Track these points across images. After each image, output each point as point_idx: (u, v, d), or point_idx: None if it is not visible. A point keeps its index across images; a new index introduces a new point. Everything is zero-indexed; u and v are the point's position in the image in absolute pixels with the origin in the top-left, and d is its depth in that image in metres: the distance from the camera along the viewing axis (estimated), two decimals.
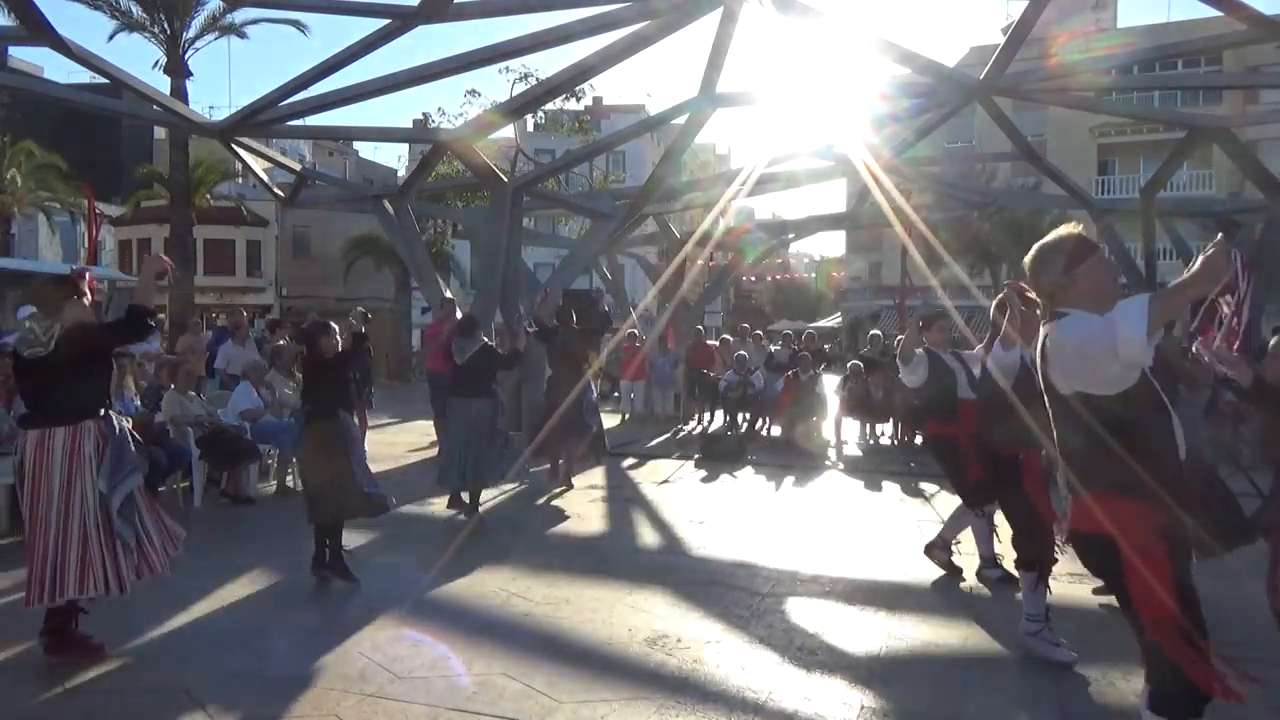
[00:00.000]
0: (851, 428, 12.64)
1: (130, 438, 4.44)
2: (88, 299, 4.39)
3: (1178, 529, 2.70)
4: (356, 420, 11.01)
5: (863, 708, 3.90)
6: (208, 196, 27.93)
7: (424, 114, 33.81)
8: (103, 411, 4.32)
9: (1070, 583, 5.91)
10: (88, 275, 4.55)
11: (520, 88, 15.82)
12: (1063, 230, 2.97)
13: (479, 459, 7.29)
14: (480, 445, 7.29)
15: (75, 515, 4.14)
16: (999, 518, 5.60)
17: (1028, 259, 3.00)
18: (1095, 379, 2.76)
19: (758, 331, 18.43)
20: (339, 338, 5.96)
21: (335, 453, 5.65)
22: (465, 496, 7.46)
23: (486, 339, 8.00)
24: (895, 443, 12.68)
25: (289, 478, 8.45)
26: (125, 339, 4.41)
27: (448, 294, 12.82)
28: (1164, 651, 2.62)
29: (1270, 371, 4.27)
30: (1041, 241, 3.00)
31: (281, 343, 10.19)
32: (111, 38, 23.28)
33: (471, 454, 7.26)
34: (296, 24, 22.92)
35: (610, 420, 15.15)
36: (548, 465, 9.17)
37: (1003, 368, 4.77)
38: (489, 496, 8.10)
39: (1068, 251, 2.89)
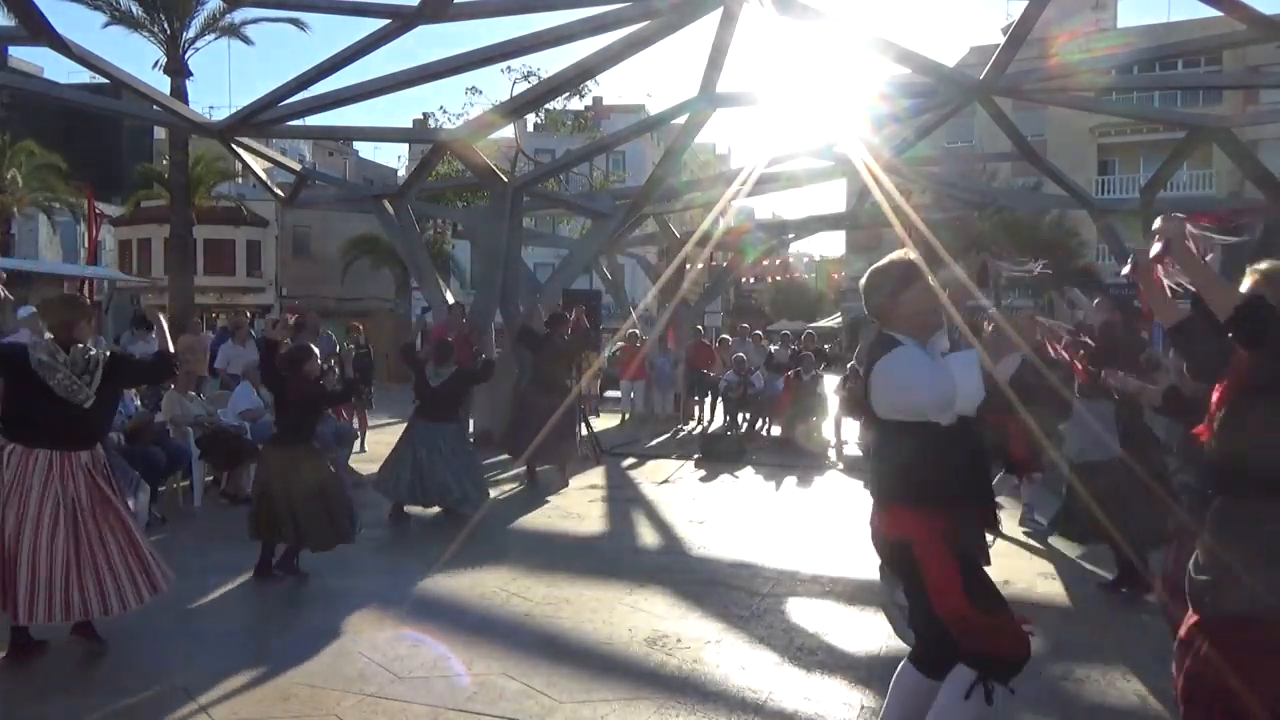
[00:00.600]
0: (851, 428, 12.63)
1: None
2: (92, 315, 4.52)
3: (962, 532, 2.91)
4: (357, 421, 11.13)
5: (863, 708, 3.90)
6: (208, 196, 27.95)
7: (424, 114, 33.85)
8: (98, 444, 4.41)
9: (1070, 582, 5.92)
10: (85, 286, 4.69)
11: (522, 87, 15.80)
12: (896, 255, 3.11)
13: (440, 481, 7.17)
14: (440, 467, 7.17)
15: (45, 540, 4.09)
16: None
17: (862, 280, 3.16)
18: (909, 413, 2.92)
19: (757, 332, 18.43)
20: (319, 360, 5.96)
21: (302, 484, 5.52)
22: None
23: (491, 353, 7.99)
24: None
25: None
26: (149, 379, 4.49)
27: (450, 298, 12.82)
28: (961, 639, 2.84)
29: (1186, 384, 4.28)
30: (874, 265, 3.16)
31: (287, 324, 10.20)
32: (105, 26, 23.22)
33: (429, 475, 7.15)
34: (296, 22, 22.91)
35: (610, 420, 15.17)
36: (525, 468, 9.16)
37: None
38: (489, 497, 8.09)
39: (895, 276, 3.04)
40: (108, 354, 4.35)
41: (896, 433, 2.96)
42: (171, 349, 4.58)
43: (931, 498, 2.86)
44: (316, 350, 5.99)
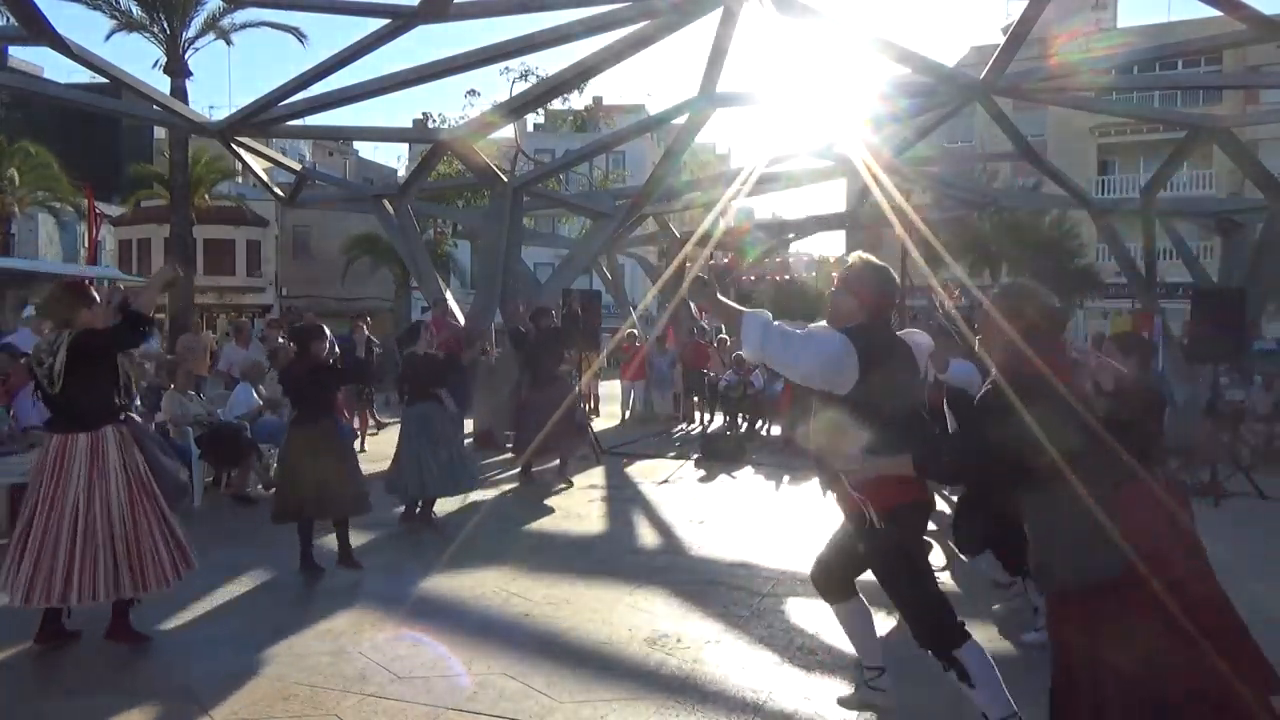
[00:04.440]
0: None
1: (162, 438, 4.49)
2: (97, 305, 4.43)
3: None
4: (357, 421, 11.15)
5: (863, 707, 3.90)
6: (207, 196, 27.94)
7: (424, 114, 33.84)
8: (123, 416, 4.39)
9: None
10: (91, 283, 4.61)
11: (520, 87, 15.82)
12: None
13: (436, 473, 7.10)
14: (431, 455, 7.08)
15: (83, 521, 4.17)
16: None
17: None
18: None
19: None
20: (331, 341, 6.06)
21: (323, 458, 5.81)
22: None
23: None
24: None
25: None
26: (123, 343, 4.41)
27: (450, 298, 12.82)
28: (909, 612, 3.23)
29: (1107, 376, 4.28)
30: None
31: (281, 340, 10.21)
32: (109, 37, 23.33)
33: (426, 466, 7.07)
34: (295, 31, 22.98)
35: (610, 420, 15.17)
36: (522, 469, 9.14)
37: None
38: (488, 497, 8.09)
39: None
40: (69, 335, 4.27)
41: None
42: (147, 311, 4.45)
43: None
44: (327, 330, 6.20)
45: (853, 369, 3.14)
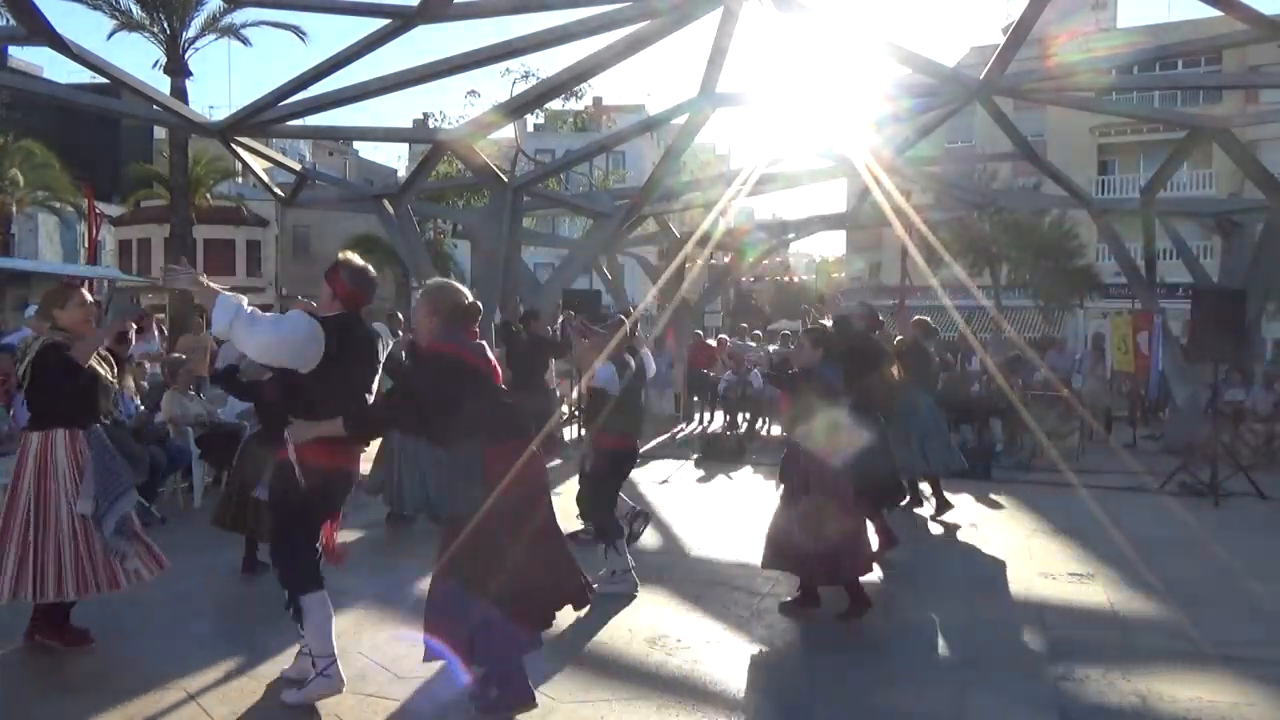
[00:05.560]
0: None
1: (115, 455, 4.41)
2: (72, 305, 4.38)
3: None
4: None
5: (863, 707, 3.90)
6: (207, 196, 27.94)
7: (424, 114, 33.82)
8: (86, 426, 4.35)
9: (1070, 582, 5.92)
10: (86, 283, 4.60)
11: (521, 87, 15.81)
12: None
13: (437, 489, 6.91)
14: (430, 469, 6.91)
15: (38, 520, 4.18)
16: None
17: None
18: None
19: (756, 331, 18.43)
20: None
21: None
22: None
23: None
24: None
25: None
26: (56, 381, 4.33)
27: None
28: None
29: (798, 359, 5.63)
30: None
31: None
32: (110, 36, 23.35)
33: (427, 482, 6.93)
34: (296, 29, 22.98)
35: None
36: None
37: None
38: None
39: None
40: (40, 341, 4.30)
41: None
42: (80, 361, 4.28)
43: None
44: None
45: (317, 351, 3.67)
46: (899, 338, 7.95)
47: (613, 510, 5.84)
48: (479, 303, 3.89)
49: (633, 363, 5.88)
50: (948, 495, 7.99)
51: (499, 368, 3.90)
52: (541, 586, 3.71)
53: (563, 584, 3.80)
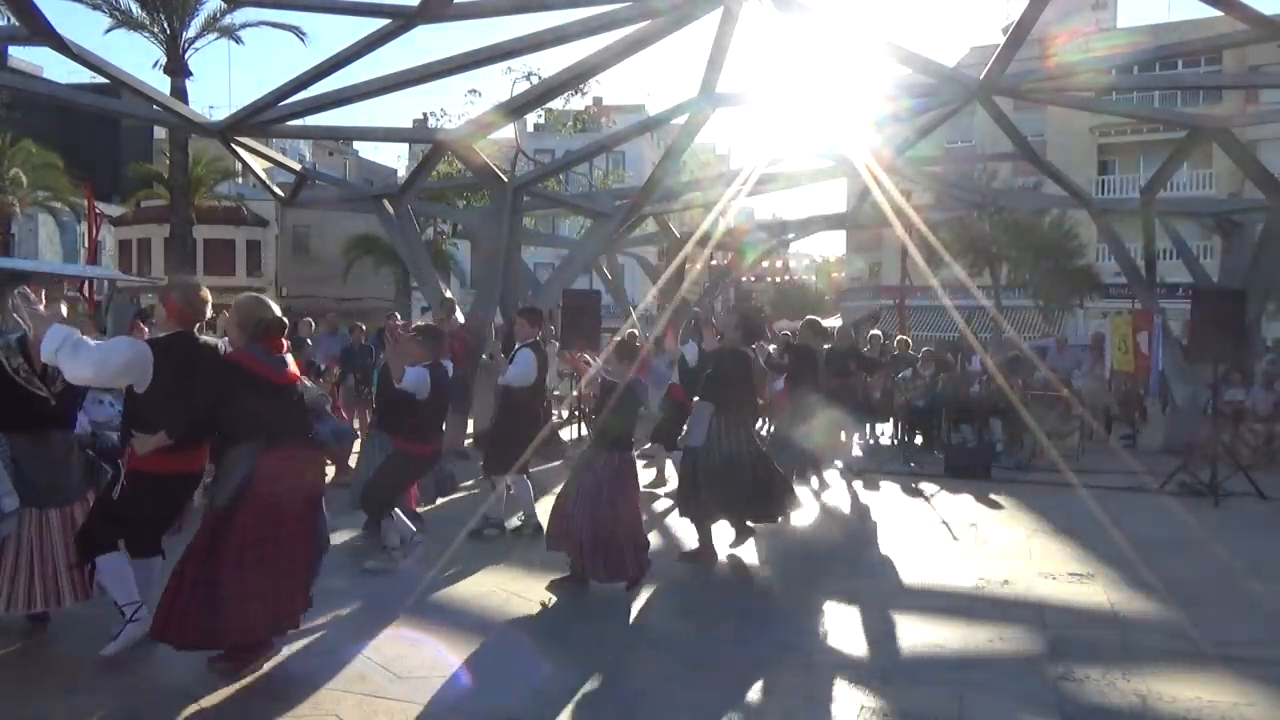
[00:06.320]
0: (852, 428, 12.61)
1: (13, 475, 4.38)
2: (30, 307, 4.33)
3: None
4: (357, 422, 11.11)
5: (862, 708, 3.90)
6: (208, 196, 27.96)
7: (424, 114, 33.82)
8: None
9: (1070, 582, 5.92)
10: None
11: (523, 87, 15.81)
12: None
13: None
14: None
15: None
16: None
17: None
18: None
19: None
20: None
21: None
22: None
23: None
24: (895, 443, 12.69)
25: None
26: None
27: (448, 294, 12.81)
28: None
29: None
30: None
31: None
32: (108, 32, 23.34)
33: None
34: (296, 29, 22.99)
35: None
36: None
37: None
38: (487, 498, 8.05)
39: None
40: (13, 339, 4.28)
41: None
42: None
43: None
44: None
45: (145, 370, 3.96)
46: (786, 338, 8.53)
47: (392, 499, 5.96)
48: (284, 319, 4.19)
49: (450, 369, 6.19)
50: (946, 495, 7.98)
51: (301, 379, 4.27)
52: (255, 611, 3.93)
53: (280, 608, 4.04)
